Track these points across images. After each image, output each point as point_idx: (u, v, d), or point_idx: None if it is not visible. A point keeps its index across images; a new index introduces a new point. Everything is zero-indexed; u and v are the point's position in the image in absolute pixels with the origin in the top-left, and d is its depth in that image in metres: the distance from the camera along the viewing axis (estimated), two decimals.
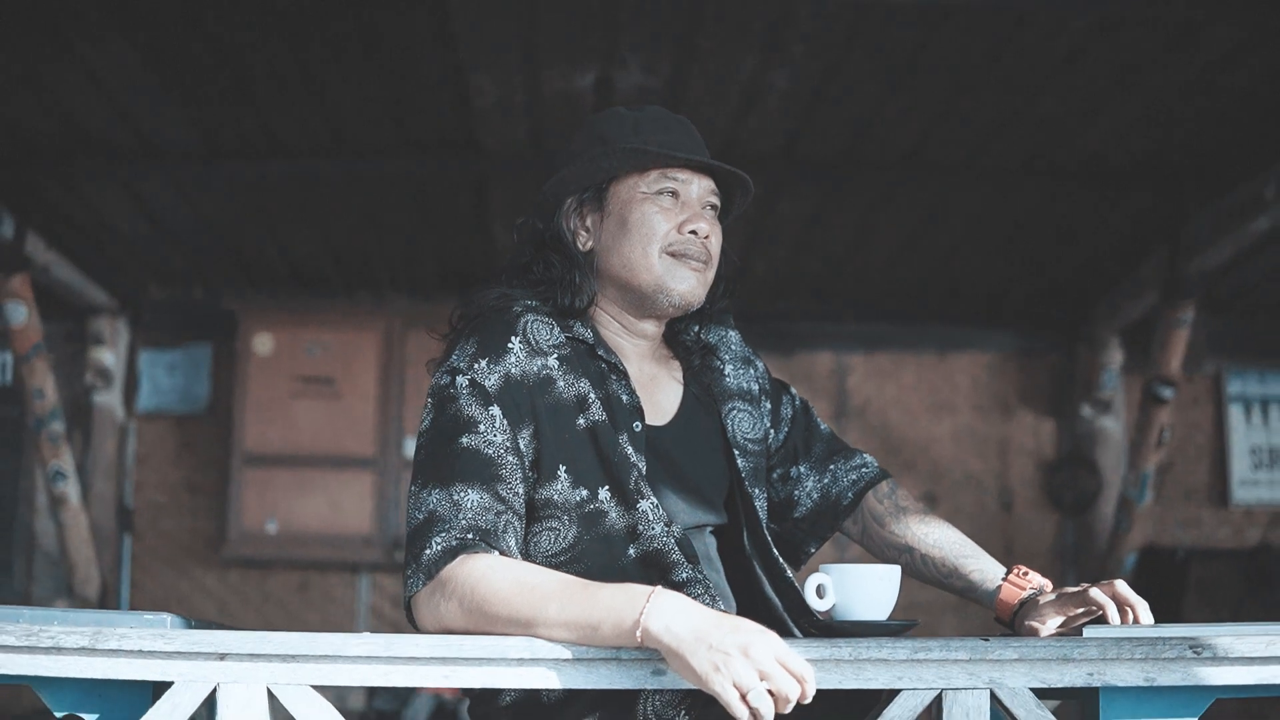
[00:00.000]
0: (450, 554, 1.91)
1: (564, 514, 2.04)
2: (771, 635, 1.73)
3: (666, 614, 1.75)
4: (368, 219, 6.46)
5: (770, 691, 1.70)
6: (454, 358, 2.09)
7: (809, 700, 1.70)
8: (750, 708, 1.68)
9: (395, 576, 7.32)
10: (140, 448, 7.43)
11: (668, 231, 2.15)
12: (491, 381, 2.03)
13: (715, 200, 2.22)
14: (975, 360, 7.68)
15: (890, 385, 7.64)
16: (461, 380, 2.04)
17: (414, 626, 1.98)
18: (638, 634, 1.75)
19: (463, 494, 1.96)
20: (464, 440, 2.01)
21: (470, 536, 1.92)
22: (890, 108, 5.24)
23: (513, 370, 2.05)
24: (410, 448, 6.84)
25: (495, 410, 2.02)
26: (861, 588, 1.99)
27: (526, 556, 2.05)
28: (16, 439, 7.29)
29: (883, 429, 7.60)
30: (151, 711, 1.79)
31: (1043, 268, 7.06)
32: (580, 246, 2.20)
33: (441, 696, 6.05)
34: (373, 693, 6.34)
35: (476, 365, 2.05)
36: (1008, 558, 7.17)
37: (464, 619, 1.87)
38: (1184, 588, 7.12)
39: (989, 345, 7.67)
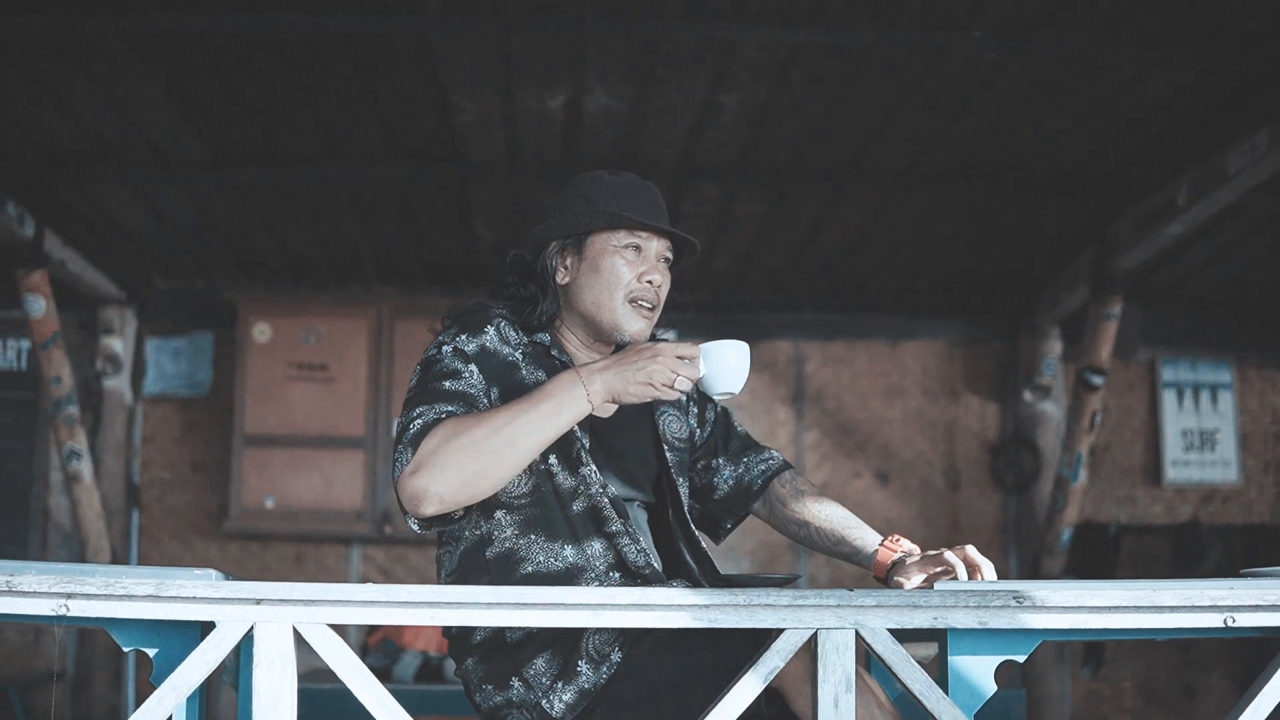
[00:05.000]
0: (430, 425, 2.32)
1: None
2: (662, 344, 2.36)
3: (598, 377, 2.34)
4: (359, 219, 6.59)
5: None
6: (440, 337, 2.51)
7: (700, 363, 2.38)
8: (675, 389, 2.34)
9: (384, 548, 7.41)
10: (147, 428, 7.54)
11: (629, 280, 2.56)
12: (470, 348, 2.46)
13: (669, 255, 2.64)
14: (925, 348, 7.77)
15: (845, 372, 7.72)
16: (446, 348, 2.47)
17: (402, 508, 2.32)
18: (590, 401, 2.33)
19: (445, 408, 2.35)
20: (447, 384, 2.40)
21: (445, 413, 2.35)
22: (830, 125, 5.39)
23: (488, 344, 2.48)
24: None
25: (474, 367, 2.44)
26: (722, 360, 2.41)
27: (494, 497, 2.43)
28: (31, 421, 7.37)
29: (838, 412, 7.70)
30: (202, 645, 2.06)
31: (984, 263, 7.13)
32: (558, 281, 2.61)
33: (428, 654, 6.16)
34: (365, 650, 6.36)
35: (459, 338, 2.48)
36: (954, 533, 7.53)
37: (448, 451, 2.26)
38: (1116, 561, 7.24)
39: (938, 334, 7.76)
